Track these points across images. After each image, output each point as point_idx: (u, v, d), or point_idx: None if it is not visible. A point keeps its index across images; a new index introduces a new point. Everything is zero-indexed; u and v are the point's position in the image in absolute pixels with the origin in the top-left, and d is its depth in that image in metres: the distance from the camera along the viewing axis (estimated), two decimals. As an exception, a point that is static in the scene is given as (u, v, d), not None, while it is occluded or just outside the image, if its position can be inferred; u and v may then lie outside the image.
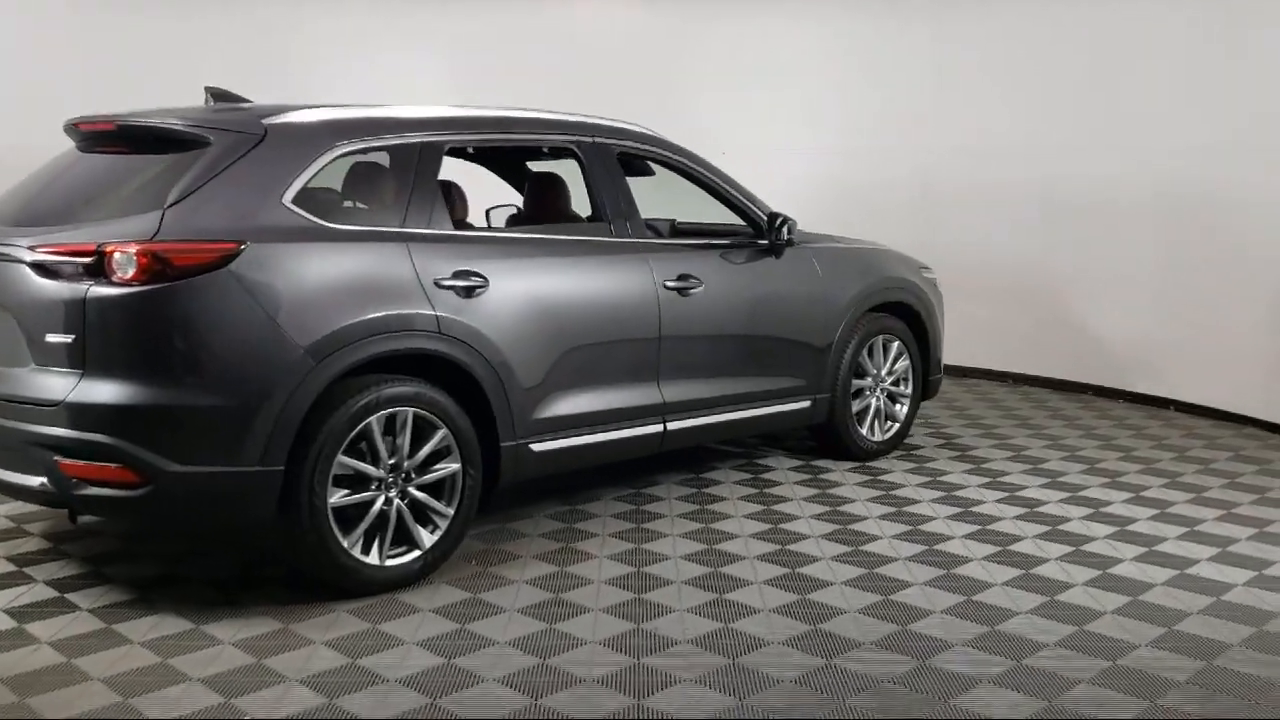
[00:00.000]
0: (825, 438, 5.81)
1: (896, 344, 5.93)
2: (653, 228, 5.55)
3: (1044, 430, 6.61)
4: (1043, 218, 7.93)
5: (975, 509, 4.99)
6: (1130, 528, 4.75)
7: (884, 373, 5.90)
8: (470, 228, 4.75)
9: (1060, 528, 4.73)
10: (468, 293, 4.08)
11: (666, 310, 4.75)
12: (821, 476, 5.51)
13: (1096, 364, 7.74)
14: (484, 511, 4.40)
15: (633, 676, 3.33)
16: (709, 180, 5.23)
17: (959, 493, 5.25)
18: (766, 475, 5.52)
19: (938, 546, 4.48)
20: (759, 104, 8.93)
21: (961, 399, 7.59)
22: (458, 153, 4.93)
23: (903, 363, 5.99)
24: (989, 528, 4.72)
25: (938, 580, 4.12)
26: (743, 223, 5.36)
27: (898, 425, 6.00)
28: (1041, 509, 4.99)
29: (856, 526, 4.72)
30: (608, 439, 4.59)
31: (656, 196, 5.63)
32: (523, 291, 4.26)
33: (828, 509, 4.97)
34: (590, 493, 5.12)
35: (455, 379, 4.09)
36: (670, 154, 5.11)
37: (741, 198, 5.32)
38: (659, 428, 4.79)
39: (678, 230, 5.78)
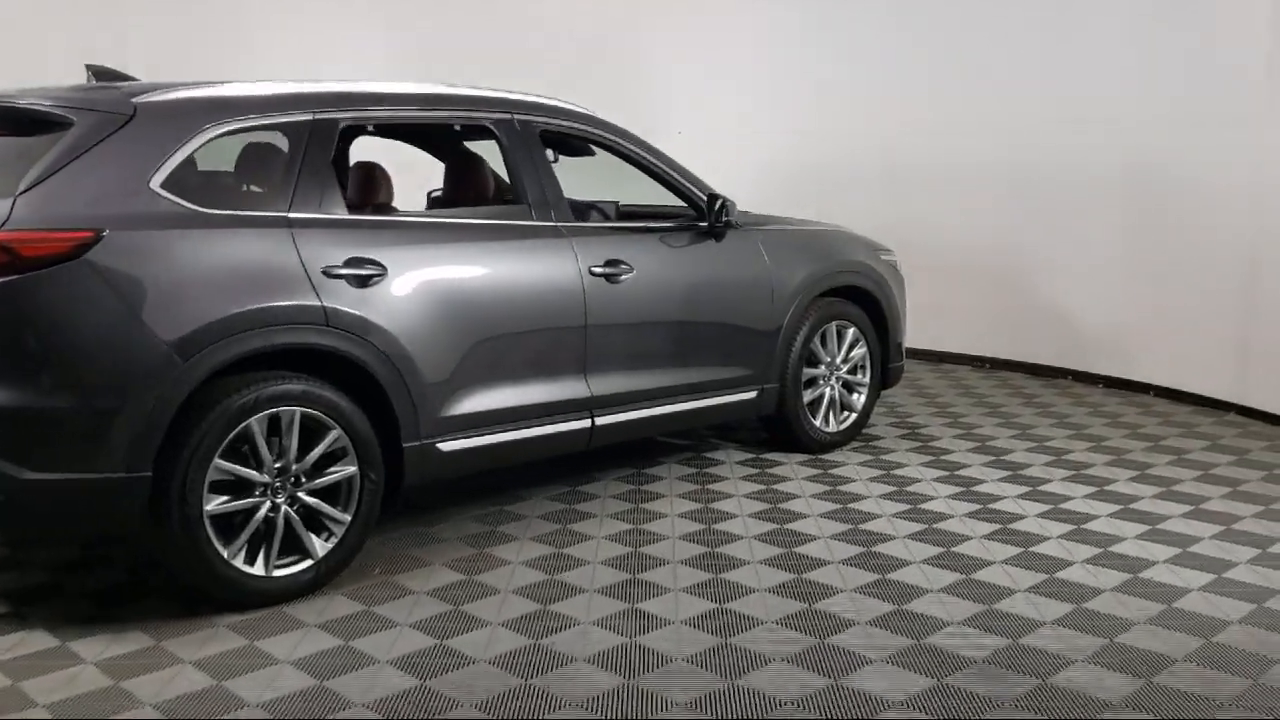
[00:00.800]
0: (776, 429, 5.53)
1: (852, 330, 5.64)
2: (598, 210, 5.29)
3: (1014, 419, 6.31)
4: (1012, 195, 7.60)
5: (924, 505, 4.70)
6: (1088, 526, 4.45)
7: (839, 361, 5.61)
8: (395, 213, 4.46)
9: (1012, 526, 4.44)
10: (362, 282, 3.80)
11: (593, 298, 4.47)
12: (769, 470, 5.23)
13: (1073, 348, 7.43)
14: (388, 517, 4.14)
15: (513, 702, 3.06)
16: (644, 160, 4.93)
17: (911, 488, 4.96)
18: (711, 469, 5.24)
19: (878, 548, 4.20)
20: (717, 82, 8.63)
21: (933, 386, 7.29)
22: (386, 131, 4.70)
23: (859, 350, 5.70)
24: (936, 526, 4.44)
25: (871, 587, 3.83)
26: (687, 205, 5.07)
27: (854, 415, 5.71)
28: (995, 505, 4.70)
29: (795, 526, 4.44)
30: (527, 436, 4.31)
31: (601, 178, 5.36)
32: (426, 280, 3.98)
33: (768, 506, 4.69)
34: (516, 492, 4.85)
35: (352, 376, 3.82)
36: (602, 132, 4.82)
37: (680, 179, 5.02)
38: (586, 423, 4.51)
39: (622, 213, 5.50)
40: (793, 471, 5.22)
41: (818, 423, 5.53)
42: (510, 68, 7.97)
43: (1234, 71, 6.31)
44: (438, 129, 4.96)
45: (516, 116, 4.50)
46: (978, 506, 4.69)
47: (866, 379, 5.75)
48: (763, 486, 4.98)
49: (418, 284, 3.95)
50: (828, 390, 5.58)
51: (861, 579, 3.90)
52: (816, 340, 5.48)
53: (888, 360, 5.85)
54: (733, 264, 5.08)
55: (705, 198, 4.98)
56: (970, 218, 7.77)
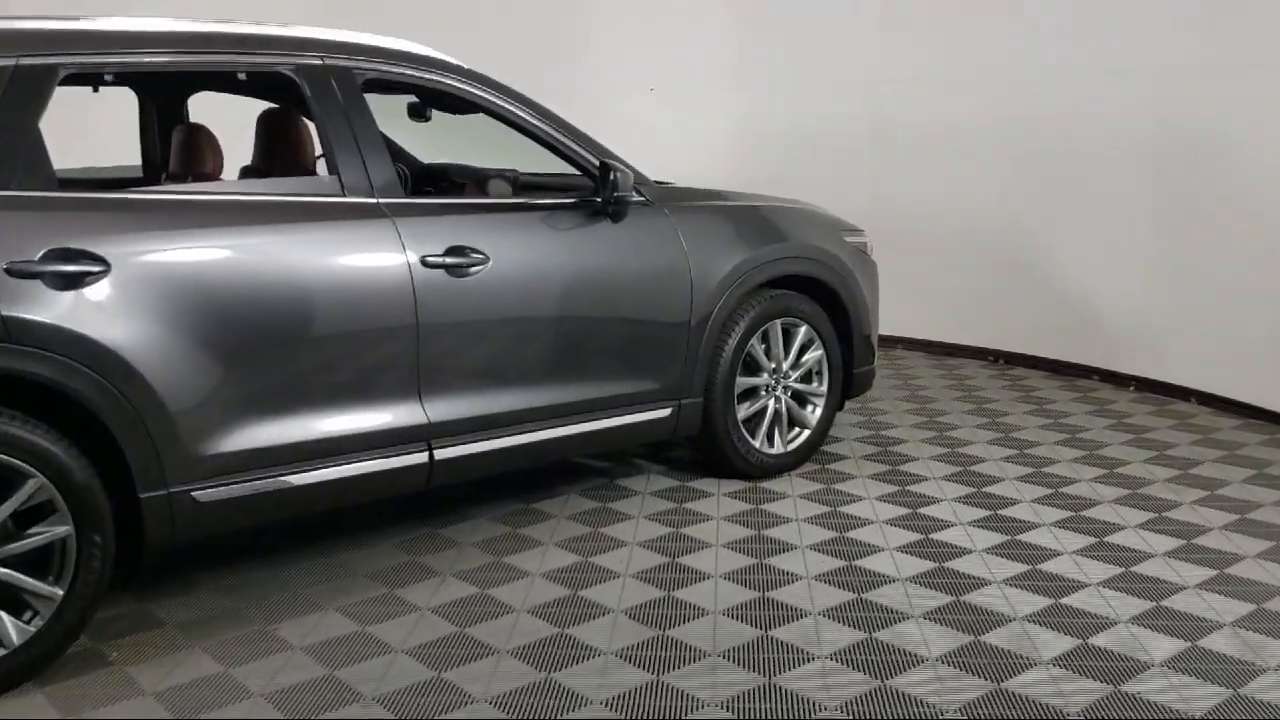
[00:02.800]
0: (705, 452, 4.51)
1: (804, 329, 4.58)
2: (477, 180, 4.32)
3: (1015, 433, 5.20)
4: (1027, 157, 6.41)
5: (863, 561, 3.66)
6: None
7: (787, 367, 4.57)
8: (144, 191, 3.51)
9: (968, 599, 3.39)
10: (70, 282, 2.86)
11: (429, 296, 3.48)
12: (686, 506, 4.22)
13: (1100, 343, 6.26)
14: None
15: None
16: (513, 117, 3.91)
17: (854, 532, 3.92)
18: (617, 503, 4.24)
19: (781, 631, 3.17)
20: (685, 35, 7.52)
21: (930, 385, 6.19)
22: (145, 83, 3.79)
23: (814, 353, 4.64)
24: (867, 596, 3.40)
25: (749, 698, 2.82)
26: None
27: (807, 433, 4.66)
28: (953, 564, 3.64)
29: (689, 592, 3.43)
30: (331, 478, 3.35)
31: (500, 143, 4.36)
32: (170, 278, 3.02)
33: (663, 560, 3.69)
34: (358, 539, 3.90)
35: (66, 407, 2.89)
36: (455, 80, 3.80)
37: (568, 141, 4.00)
38: (422, 457, 3.53)
39: (521, 186, 4.50)
40: (715, 507, 4.20)
41: (758, 443, 4.49)
42: (441, 23, 6.95)
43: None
44: (217, 79, 3.99)
45: (329, 61, 3.50)
46: (930, 567, 3.63)
47: (823, 388, 4.69)
48: (668, 530, 3.97)
49: (157, 283, 3.00)
50: (771, 403, 4.54)
51: (736, 682, 2.88)
52: (756, 342, 4.44)
53: (851, 364, 4.78)
54: (635, 250, 4.06)
55: (596, 167, 3.95)
56: (977, 186, 6.62)
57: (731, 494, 4.35)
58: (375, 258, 3.40)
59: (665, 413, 4.19)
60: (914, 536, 3.90)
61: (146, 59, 3.22)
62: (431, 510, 4.12)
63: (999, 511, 4.14)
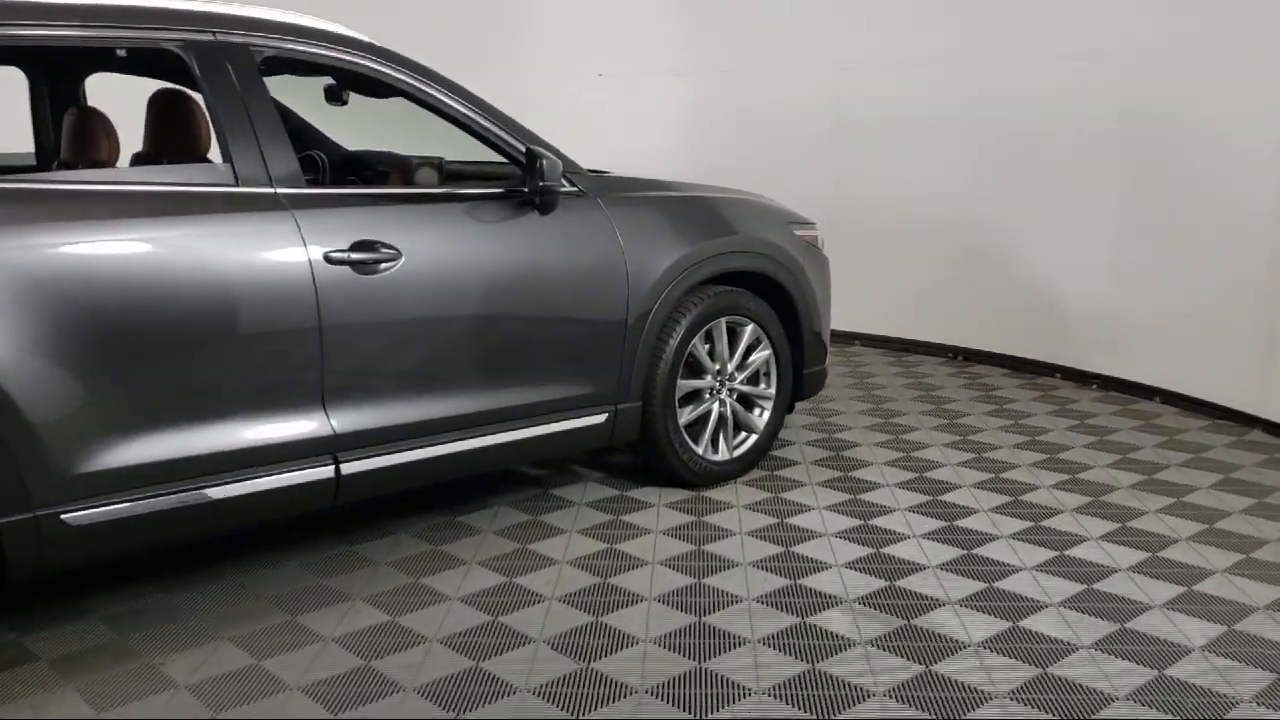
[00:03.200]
0: (645, 459, 4.24)
1: (750, 328, 4.32)
2: (402, 168, 4.02)
3: (973, 435, 4.96)
4: (988, 146, 6.20)
5: (810, 579, 3.40)
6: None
7: (731, 368, 4.30)
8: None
9: (920, 622, 3.13)
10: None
11: (332, 296, 3.18)
12: (625, 518, 3.94)
13: (1062, 338, 6.04)
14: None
15: None
16: (432, 100, 3.60)
17: (801, 547, 3.66)
18: (549, 517, 3.96)
19: (717, 663, 2.90)
20: (634, 18, 7.23)
21: (888, 385, 5.95)
22: None
23: (761, 353, 4.38)
24: (811, 620, 3.14)
25: (676, 742, 2.56)
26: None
27: (754, 438, 4.39)
28: (905, 582, 3.39)
29: (620, 617, 3.16)
30: (222, 496, 3.04)
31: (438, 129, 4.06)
32: (35, 275, 2.70)
33: (596, 580, 3.41)
34: (263, 558, 3.59)
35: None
36: (367, 60, 3.49)
37: (493, 127, 3.70)
38: (327, 472, 3.23)
39: (449, 175, 4.20)
40: (654, 520, 3.93)
41: (701, 450, 4.22)
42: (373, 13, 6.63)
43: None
44: (105, 57, 3.67)
45: (222, 37, 3.18)
46: (881, 586, 3.38)
47: (771, 390, 4.43)
48: (602, 546, 3.69)
49: (22, 282, 2.68)
50: (716, 407, 4.27)
51: (668, 726, 2.62)
52: (699, 342, 4.17)
53: (801, 365, 4.52)
54: (565, 243, 3.77)
55: (523, 154, 3.65)
56: (937, 175, 6.39)
57: (672, 504, 4.08)
58: (271, 254, 3.09)
59: (600, 419, 3.91)
60: (864, 551, 3.64)
61: (12, 31, 2.88)
62: (349, 525, 3.82)
63: (955, 522, 3.89)
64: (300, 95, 4.31)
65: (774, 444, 4.56)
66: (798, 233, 4.53)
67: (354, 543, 3.70)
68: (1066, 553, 3.63)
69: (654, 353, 4.01)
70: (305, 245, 3.13)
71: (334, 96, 4.14)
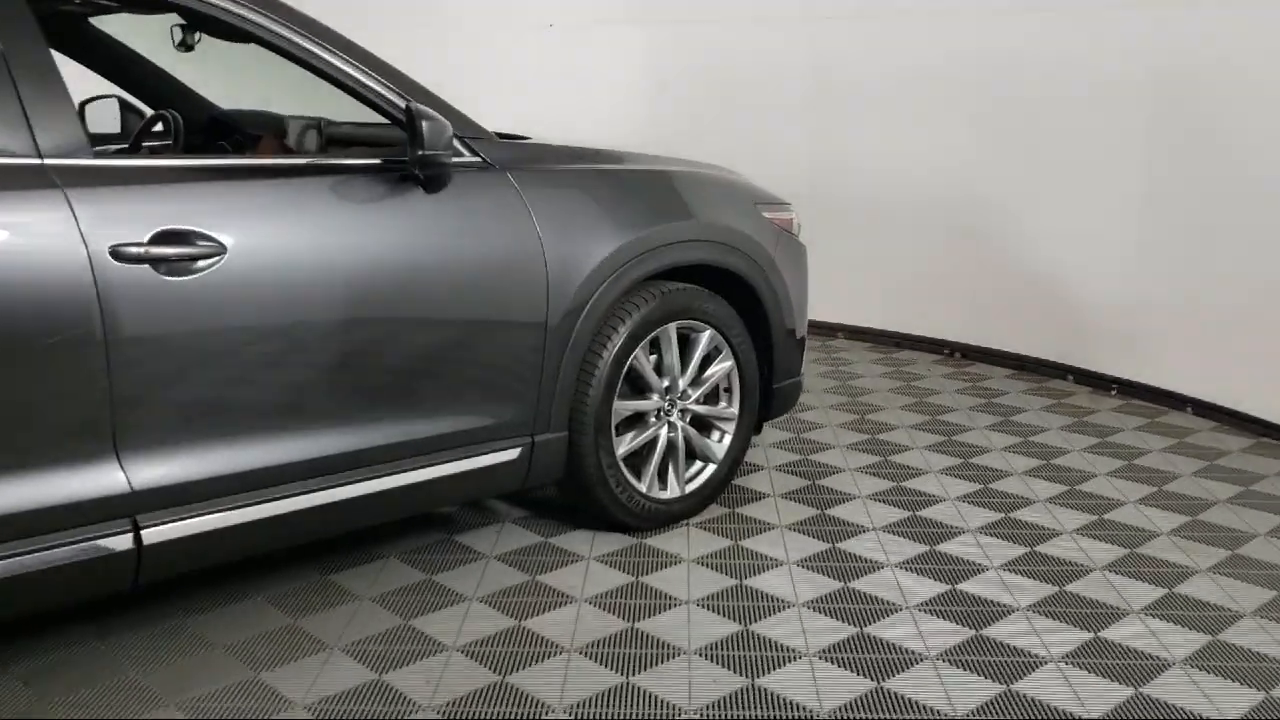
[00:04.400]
0: (574, 500, 3.41)
1: (708, 335, 3.48)
2: (278, 132, 3.20)
3: (976, 459, 4.15)
4: (979, 114, 5.37)
5: (772, 678, 2.58)
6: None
7: (684, 384, 3.47)
8: None
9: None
10: None
11: (124, 304, 2.33)
12: (543, 579, 3.12)
13: (1076, 335, 5.24)
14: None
15: None
16: (289, 45, 2.73)
17: (763, 624, 2.84)
18: (446, 576, 3.13)
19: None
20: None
21: (874, 388, 5.13)
22: None
23: (721, 365, 3.55)
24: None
25: None
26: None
27: (711, 468, 3.57)
28: (894, 685, 2.58)
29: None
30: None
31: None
32: None
33: (494, 676, 2.59)
34: (69, 635, 2.76)
35: None
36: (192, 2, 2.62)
37: (366, 80, 2.83)
38: (124, 541, 2.39)
39: (331, 139, 3.36)
40: (579, 579, 3.11)
41: (645, 486, 3.40)
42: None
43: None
44: None
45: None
46: (855, 676, 2.57)
47: (733, 409, 3.60)
48: (509, 622, 2.87)
49: None
50: (664, 432, 3.45)
51: None
52: (643, 353, 3.33)
53: (770, 378, 3.69)
54: (460, 229, 2.92)
55: (404, 115, 2.79)
56: (934, 144, 5.55)
57: (605, 558, 3.26)
58: (31, 246, 2.24)
59: (512, 455, 3.07)
60: (847, 632, 2.83)
61: None
62: (194, 584, 2.99)
63: (959, 586, 3.09)
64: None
65: (737, 472, 3.74)
66: (768, 215, 3.70)
67: (191, 613, 2.86)
68: (1101, 634, 2.82)
69: (583, 369, 3.18)
70: (83, 236, 2.28)
71: (182, 42, 3.31)
